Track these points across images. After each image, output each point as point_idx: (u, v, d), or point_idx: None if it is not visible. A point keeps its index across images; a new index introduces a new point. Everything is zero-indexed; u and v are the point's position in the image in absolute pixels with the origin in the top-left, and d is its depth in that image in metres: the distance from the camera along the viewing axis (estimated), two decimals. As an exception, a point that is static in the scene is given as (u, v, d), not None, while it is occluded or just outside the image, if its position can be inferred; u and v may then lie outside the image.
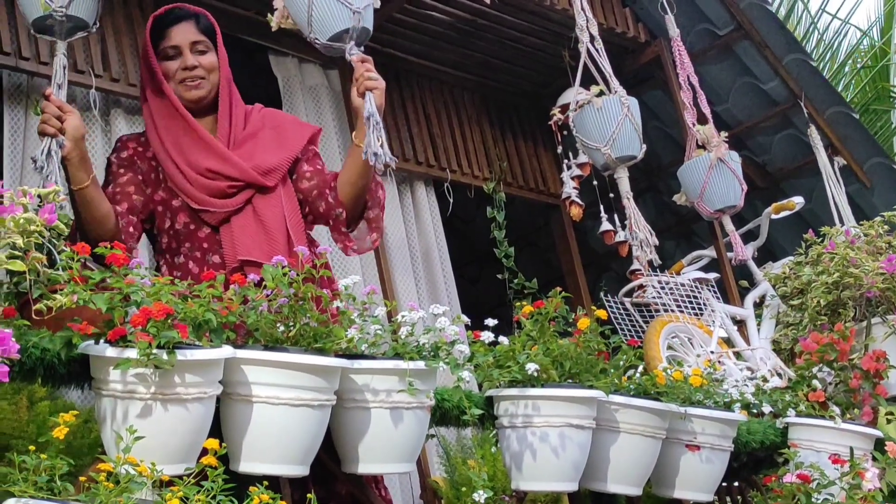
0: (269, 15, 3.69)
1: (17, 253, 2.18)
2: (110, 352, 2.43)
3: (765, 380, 4.63)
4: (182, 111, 3.48)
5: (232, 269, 3.36)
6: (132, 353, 2.38)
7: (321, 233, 4.39)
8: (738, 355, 5.40)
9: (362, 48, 3.48)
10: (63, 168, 3.16)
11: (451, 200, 6.27)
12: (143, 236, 3.59)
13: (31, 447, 2.14)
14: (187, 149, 3.47)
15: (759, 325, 5.80)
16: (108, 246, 2.65)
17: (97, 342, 2.50)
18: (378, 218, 3.65)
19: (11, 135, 4.56)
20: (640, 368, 3.91)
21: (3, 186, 2.47)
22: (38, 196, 2.36)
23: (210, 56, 3.55)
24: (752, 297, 5.95)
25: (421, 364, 2.93)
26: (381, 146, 3.27)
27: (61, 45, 3.31)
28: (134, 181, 3.48)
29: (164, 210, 3.50)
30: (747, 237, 6.37)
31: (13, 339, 2.05)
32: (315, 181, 3.59)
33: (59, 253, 2.59)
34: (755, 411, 4.27)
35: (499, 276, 6.19)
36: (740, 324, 5.81)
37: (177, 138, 3.48)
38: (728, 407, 4.00)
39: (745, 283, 6.18)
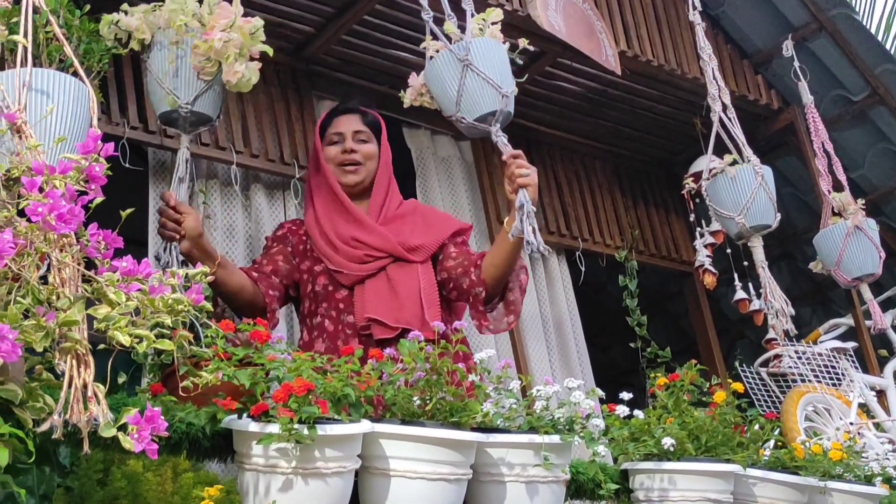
0: (401, 92, 3.80)
1: (165, 332, 2.25)
2: (253, 427, 2.49)
3: (906, 452, 4.53)
4: (337, 190, 3.78)
5: (361, 327, 3.56)
6: (274, 429, 2.43)
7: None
8: (878, 426, 5.29)
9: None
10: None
11: (583, 269, 6.26)
12: (291, 309, 3.70)
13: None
14: (338, 222, 3.74)
15: (899, 395, 5.69)
16: (251, 323, 2.74)
17: (240, 417, 2.56)
18: (517, 301, 3.73)
19: (156, 211, 4.64)
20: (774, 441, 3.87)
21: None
22: (185, 276, 2.43)
23: (370, 146, 3.85)
24: (891, 367, 5.84)
25: (556, 438, 2.93)
26: (535, 235, 3.34)
27: (185, 138, 3.49)
28: (283, 252, 3.78)
29: (308, 277, 3.74)
30: (886, 305, 6.26)
31: (162, 417, 2.11)
32: (460, 260, 3.72)
33: (203, 329, 2.67)
34: (897, 485, 4.18)
35: (631, 345, 6.17)
36: (880, 394, 5.69)
37: (330, 214, 3.77)
38: (869, 481, 3.93)
39: (884, 352, 6.06)
